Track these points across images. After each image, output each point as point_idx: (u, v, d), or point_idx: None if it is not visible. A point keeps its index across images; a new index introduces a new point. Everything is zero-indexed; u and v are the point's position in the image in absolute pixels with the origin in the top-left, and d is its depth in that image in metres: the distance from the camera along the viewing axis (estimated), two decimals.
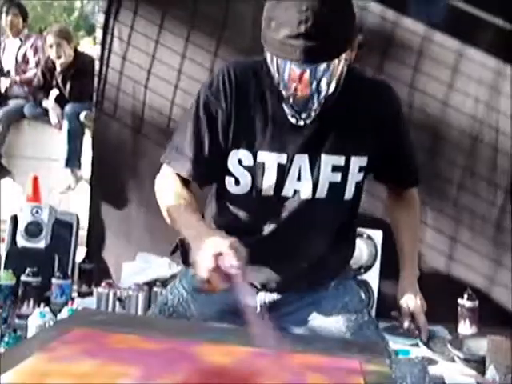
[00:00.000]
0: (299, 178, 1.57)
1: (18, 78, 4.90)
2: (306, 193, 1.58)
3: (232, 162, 1.58)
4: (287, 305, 1.68)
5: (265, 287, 1.66)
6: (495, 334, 2.48)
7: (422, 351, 2.65)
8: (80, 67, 4.47)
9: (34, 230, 3.36)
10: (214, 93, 1.56)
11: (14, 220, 3.40)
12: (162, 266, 3.25)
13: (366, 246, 3.22)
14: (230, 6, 3.33)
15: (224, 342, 1.31)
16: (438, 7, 3.24)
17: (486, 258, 3.26)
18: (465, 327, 3.01)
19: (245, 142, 1.56)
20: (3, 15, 5.01)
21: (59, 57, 4.51)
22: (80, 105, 4.35)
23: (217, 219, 1.70)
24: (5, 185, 4.51)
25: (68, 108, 4.41)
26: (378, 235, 3.21)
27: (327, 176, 1.57)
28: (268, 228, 1.61)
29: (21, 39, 5.02)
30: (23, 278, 2.96)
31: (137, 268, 3.31)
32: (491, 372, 2.36)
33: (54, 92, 4.55)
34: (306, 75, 1.41)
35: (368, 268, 3.22)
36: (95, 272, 3.35)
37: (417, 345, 2.69)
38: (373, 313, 3.01)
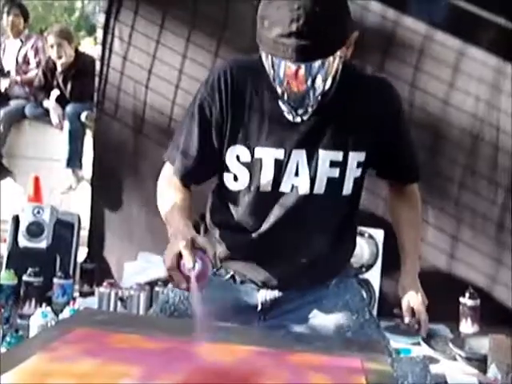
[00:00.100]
0: (297, 174, 1.58)
1: (18, 79, 4.90)
2: (303, 188, 1.58)
3: (230, 159, 1.59)
4: (288, 302, 1.68)
5: (266, 285, 1.66)
6: (497, 333, 2.49)
7: (424, 350, 2.65)
8: (81, 67, 4.47)
9: (35, 230, 3.36)
10: (210, 90, 1.58)
11: (16, 220, 3.40)
12: (163, 266, 3.24)
13: (368, 245, 3.22)
14: (231, 6, 3.33)
15: (225, 341, 1.31)
16: (439, 6, 3.24)
17: (487, 257, 3.26)
18: (466, 326, 3.01)
19: (242, 139, 1.57)
20: (4, 15, 5.00)
21: (60, 57, 4.51)
22: (81, 105, 4.36)
23: (216, 216, 1.71)
24: (6, 185, 4.52)
25: (69, 108, 4.42)
26: (379, 234, 3.21)
27: (325, 171, 1.57)
28: (267, 224, 1.62)
29: (21, 40, 5.02)
30: (25, 278, 2.96)
31: (138, 268, 3.31)
32: (493, 370, 2.37)
33: (55, 92, 4.55)
34: (301, 72, 1.41)
35: (369, 267, 3.22)
36: (97, 272, 3.35)
37: (418, 344, 2.69)
38: (374, 312, 3.01)
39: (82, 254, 3.51)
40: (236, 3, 3.34)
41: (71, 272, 3.25)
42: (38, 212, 3.39)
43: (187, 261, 1.36)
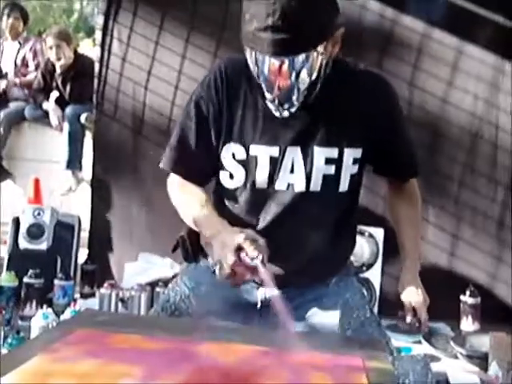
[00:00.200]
0: (292, 171, 1.58)
1: (17, 81, 4.90)
2: (299, 185, 1.59)
3: (226, 157, 1.60)
4: (288, 301, 1.67)
5: None
6: (497, 331, 2.49)
7: (425, 348, 2.65)
8: (80, 69, 4.47)
9: (35, 231, 3.36)
10: (206, 89, 1.60)
11: (16, 222, 3.40)
12: (164, 266, 3.25)
13: (368, 244, 3.22)
14: (230, 7, 3.33)
15: (226, 340, 1.31)
16: (437, 4, 3.24)
17: (487, 255, 3.26)
18: (467, 324, 3.01)
19: (237, 137, 1.58)
20: (4, 18, 5.00)
21: (59, 59, 4.51)
22: (80, 107, 4.36)
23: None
24: (6, 187, 4.52)
25: (68, 110, 4.42)
26: (379, 233, 3.21)
27: (321, 168, 1.57)
28: (264, 222, 1.62)
29: (19, 42, 5.02)
30: (26, 279, 2.96)
31: (139, 268, 3.31)
32: (494, 368, 2.36)
33: (54, 94, 4.55)
34: (285, 67, 1.43)
35: (370, 266, 3.22)
36: (97, 273, 3.36)
37: (419, 342, 2.69)
38: (375, 311, 3.02)
39: (83, 255, 3.51)
40: (235, 4, 3.29)
41: (72, 273, 3.26)
42: (39, 214, 3.40)
43: (251, 251, 1.39)
